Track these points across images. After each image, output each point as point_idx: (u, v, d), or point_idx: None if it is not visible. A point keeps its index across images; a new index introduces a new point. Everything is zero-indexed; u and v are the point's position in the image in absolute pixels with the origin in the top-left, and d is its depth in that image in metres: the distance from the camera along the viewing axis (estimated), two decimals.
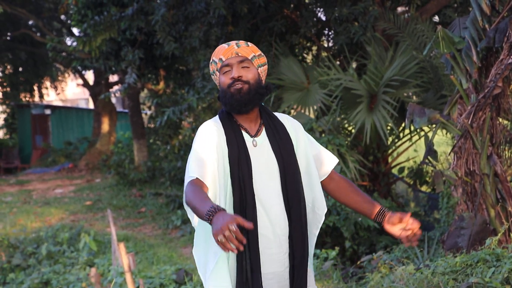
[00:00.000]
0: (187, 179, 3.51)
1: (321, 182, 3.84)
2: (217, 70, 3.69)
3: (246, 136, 3.68)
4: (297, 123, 3.88)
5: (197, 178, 3.48)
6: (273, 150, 3.68)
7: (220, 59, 3.67)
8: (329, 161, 3.89)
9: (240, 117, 3.70)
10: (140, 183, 20.28)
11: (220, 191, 3.54)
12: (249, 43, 3.73)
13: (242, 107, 3.63)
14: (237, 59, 3.65)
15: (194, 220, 3.63)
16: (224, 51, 3.67)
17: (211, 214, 3.07)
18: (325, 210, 3.82)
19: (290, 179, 3.66)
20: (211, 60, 3.74)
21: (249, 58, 3.67)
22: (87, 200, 18.61)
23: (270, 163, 3.66)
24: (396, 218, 3.68)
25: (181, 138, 19.07)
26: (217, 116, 3.76)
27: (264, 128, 3.74)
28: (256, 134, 3.70)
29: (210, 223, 3.06)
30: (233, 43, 3.69)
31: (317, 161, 3.86)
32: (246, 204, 3.55)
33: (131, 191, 19.42)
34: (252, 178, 3.58)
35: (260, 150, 3.67)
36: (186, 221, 14.10)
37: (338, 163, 9.79)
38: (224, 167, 3.58)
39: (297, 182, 3.69)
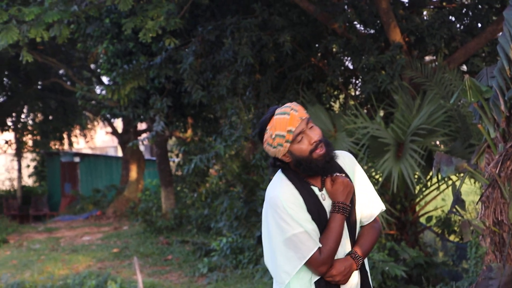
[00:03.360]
0: (309, 251, 3.58)
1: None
2: (286, 142, 3.64)
3: (316, 190, 3.72)
4: (351, 156, 3.92)
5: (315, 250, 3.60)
6: None
7: (289, 131, 3.62)
8: (378, 205, 3.91)
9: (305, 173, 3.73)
10: (167, 230, 20.28)
11: None
12: (294, 103, 3.75)
13: (329, 170, 3.70)
14: (304, 123, 3.65)
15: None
16: (289, 121, 3.63)
17: (336, 208, 3.67)
18: None
19: (353, 229, 3.78)
20: (272, 136, 3.67)
21: (308, 116, 3.70)
22: (114, 247, 18.61)
23: None
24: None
25: (208, 186, 19.07)
26: (282, 176, 3.75)
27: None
28: (322, 188, 3.74)
29: (343, 205, 3.65)
30: (288, 109, 3.67)
31: (364, 200, 3.89)
32: None
33: (158, 239, 19.41)
34: None
35: (328, 202, 3.73)
36: (212, 268, 14.06)
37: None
38: (311, 224, 3.66)
39: (356, 225, 3.83)
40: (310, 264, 3.58)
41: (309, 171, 3.66)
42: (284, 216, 3.58)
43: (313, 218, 3.62)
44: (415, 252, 10.18)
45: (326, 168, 3.66)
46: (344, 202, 3.64)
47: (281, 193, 3.63)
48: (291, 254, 3.58)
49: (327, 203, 3.69)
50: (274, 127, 3.65)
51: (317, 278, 3.62)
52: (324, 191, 3.72)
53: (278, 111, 3.68)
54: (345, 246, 3.71)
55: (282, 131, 3.62)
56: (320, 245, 3.57)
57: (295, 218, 3.58)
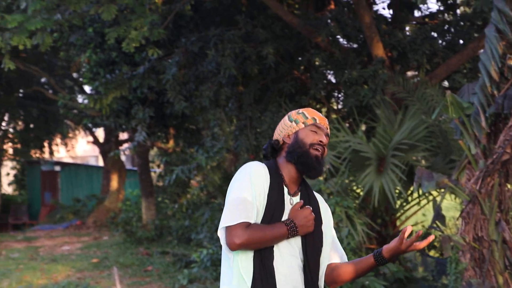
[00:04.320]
0: (232, 220, 3.56)
1: (329, 269, 3.88)
2: (303, 123, 3.78)
3: (286, 192, 3.75)
4: (328, 207, 3.98)
5: (245, 221, 3.57)
6: None
7: (314, 119, 3.79)
8: (342, 255, 3.93)
9: (286, 173, 3.78)
10: (147, 241, 20.21)
11: None
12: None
13: (310, 170, 3.76)
14: (326, 132, 3.80)
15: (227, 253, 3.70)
16: (319, 116, 3.83)
17: (289, 223, 3.61)
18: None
19: (310, 249, 3.74)
20: (298, 111, 3.85)
21: (328, 137, 3.84)
22: (94, 257, 18.52)
23: None
24: (393, 241, 3.71)
25: (189, 197, 19.05)
26: (265, 163, 3.79)
27: (300, 193, 3.82)
28: (294, 194, 3.78)
29: (296, 229, 3.61)
30: (324, 117, 3.89)
31: (334, 247, 3.93)
32: (265, 250, 3.63)
33: (138, 249, 19.34)
34: None
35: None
36: (193, 280, 14.01)
37: (346, 226, 9.76)
38: (260, 208, 3.64)
39: (318, 253, 3.78)
40: (229, 231, 3.56)
41: (296, 160, 3.72)
42: (245, 180, 3.62)
43: (268, 206, 3.63)
44: (395, 267, 10.20)
45: (311, 167, 3.72)
46: (297, 226, 3.64)
47: (255, 166, 3.68)
48: (226, 212, 3.60)
49: (289, 209, 3.72)
50: (306, 109, 3.87)
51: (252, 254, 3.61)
52: (294, 198, 3.75)
53: None
54: (292, 268, 3.68)
55: (309, 115, 3.81)
56: (251, 222, 3.55)
57: (252, 187, 3.60)
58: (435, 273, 11.71)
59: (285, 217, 3.68)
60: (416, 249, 3.68)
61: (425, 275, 11.49)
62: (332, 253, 3.90)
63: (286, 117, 3.88)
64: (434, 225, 7.00)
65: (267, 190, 3.65)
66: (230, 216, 3.58)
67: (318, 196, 3.94)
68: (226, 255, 3.69)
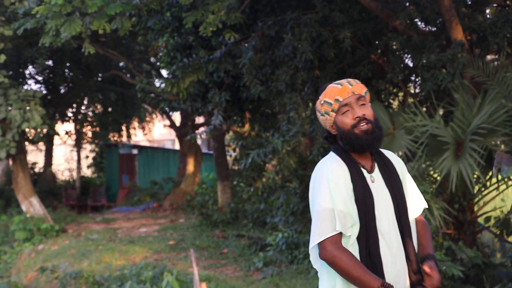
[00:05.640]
0: (320, 235, 3.59)
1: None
2: (332, 111, 3.70)
3: (364, 172, 3.73)
4: (399, 159, 3.95)
5: (340, 233, 3.60)
6: (386, 185, 3.74)
7: (336, 100, 3.68)
8: (420, 204, 3.91)
9: (356, 154, 3.74)
10: (223, 224, 20.38)
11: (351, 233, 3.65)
12: (356, 80, 3.75)
13: (370, 147, 3.72)
14: (354, 97, 3.68)
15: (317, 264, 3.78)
16: (339, 91, 3.69)
17: (387, 285, 3.49)
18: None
19: (403, 215, 3.75)
20: (321, 101, 3.76)
21: (363, 94, 3.69)
22: (170, 239, 18.76)
23: (386, 199, 3.73)
24: (426, 267, 3.73)
25: (265, 180, 19.12)
26: (333, 153, 3.78)
27: (376, 164, 3.78)
28: (371, 170, 3.75)
29: None
30: (345, 82, 3.72)
31: (415, 200, 3.94)
32: (370, 240, 3.63)
33: (214, 232, 19.52)
34: (375, 214, 3.65)
35: (376, 185, 3.74)
36: (268, 263, 14.08)
37: (424, 210, 9.68)
38: (352, 204, 3.64)
39: (407, 217, 3.78)
40: (320, 245, 3.60)
41: (351, 146, 3.68)
42: (323, 188, 3.61)
43: (357, 200, 3.61)
44: (473, 252, 10.08)
45: (368, 144, 3.67)
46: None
47: (330, 167, 3.66)
48: (314, 228, 3.63)
49: (375, 186, 3.71)
50: (325, 94, 3.75)
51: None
52: (373, 174, 3.74)
53: (335, 81, 3.77)
54: (394, 242, 3.70)
55: (330, 99, 3.70)
56: (339, 231, 3.57)
57: (332, 193, 3.58)
58: None
59: (375, 198, 3.66)
60: None
61: (503, 261, 11.34)
62: (415, 206, 3.94)
63: (316, 113, 3.81)
64: None
65: (350, 185, 3.64)
66: (317, 231, 3.61)
67: (390, 155, 3.91)
68: (324, 268, 3.74)
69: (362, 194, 3.62)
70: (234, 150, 24.32)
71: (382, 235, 3.64)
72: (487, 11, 13.94)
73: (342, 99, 3.67)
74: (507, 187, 11.20)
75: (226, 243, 17.62)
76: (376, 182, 3.73)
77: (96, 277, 13.43)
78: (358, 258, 3.59)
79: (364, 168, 3.73)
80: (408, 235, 3.73)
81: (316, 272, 12.60)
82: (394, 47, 13.05)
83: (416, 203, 3.92)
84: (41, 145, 33.67)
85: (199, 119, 30.83)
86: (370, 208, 3.62)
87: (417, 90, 13.71)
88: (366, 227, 3.61)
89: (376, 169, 3.77)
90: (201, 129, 28.55)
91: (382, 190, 3.72)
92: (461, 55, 11.05)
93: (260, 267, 14.14)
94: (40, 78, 29.15)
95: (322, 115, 3.76)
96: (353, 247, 3.60)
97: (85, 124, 33.07)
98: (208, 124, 20.08)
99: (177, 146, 39.21)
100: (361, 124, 3.63)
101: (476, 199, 11.48)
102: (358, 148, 3.68)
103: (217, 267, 14.92)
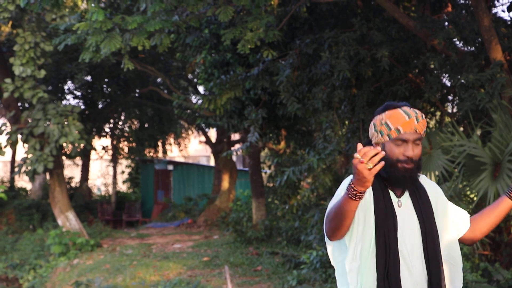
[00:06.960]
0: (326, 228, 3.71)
1: (465, 236, 3.88)
2: (387, 135, 3.64)
3: (392, 195, 3.71)
4: (436, 185, 3.90)
5: None
6: (415, 211, 3.71)
7: (398, 130, 3.61)
8: (465, 215, 3.90)
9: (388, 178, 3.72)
10: (257, 241, 20.37)
11: (357, 239, 3.63)
12: (423, 115, 3.72)
13: (404, 185, 3.70)
14: (414, 136, 3.62)
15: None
16: (404, 124, 3.62)
17: (350, 187, 3.34)
18: (461, 266, 3.85)
19: (431, 242, 3.70)
20: (382, 120, 3.68)
21: (423, 135, 3.68)
22: (204, 256, 18.79)
23: (412, 224, 3.69)
24: None
25: (300, 198, 19.10)
26: None
27: (407, 190, 3.75)
28: (400, 195, 3.73)
29: (354, 188, 3.31)
30: (413, 116, 3.65)
31: (456, 218, 3.88)
32: (389, 261, 3.60)
33: (248, 249, 19.51)
34: (397, 237, 3.62)
35: (404, 210, 3.70)
36: (301, 281, 14.05)
37: None
38: (366, 219, 3.62)
39: (436, 246, 3.71)
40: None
41: (386, 174, 3.65)
42: (338, 192, 3.73)
43: (376, 220, 3.60)
44: (509, 274, 9.98)
45: (404, 182, 3.65)
46: (353, 184, 3.35)
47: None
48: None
49: (401, 210, 3.69)
50: (390, 116, 3.65)
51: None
52: (401, 199, 3.72)
53: (405, 108, 3.69)
54: (417, 269, 3.66)
55: (393, 124, 3.62)
56: None
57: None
58: None
59: (399, 221, 3.64)
60: None
61: None
62: (459, 223, 3.88)
63: (372, 124, 3.75)
64: None
65: (371, 200, 3.63)
66: (325, 227, 3.73)
67: (424, 180, 3.86)
68: (343, 275, 3.81)
69: (384, 214, 3.60)
70: (269, 167, 24.33)
71: (403, 259, 3.61)
72: None
73: (403, 132, 3.61)
74: None
75: (260, 261, 17.60)
76: (403, 207, 3.70)
77: None
78: (374, 270, 3.59)
79: (393, 192, 3.73)
80: (435, 264, 3.67)
81: None
82: (432, 66, 13.00)
83: (465, 217, 3.90)
84: (78, 159, 33.92)
85: (235, 136, 30.89)
86: (391, 228, 3.60)
87: (454, 110, 13.64)
88: (385, 245, 3.58)
89: (406, 195, 3.74)
90: (237, 145, 28.67)
91: (409, 215, 3.69)
92: (500, 75, 10.98)
93: (293, 285, 14.11)
94: (78, 93, 29.50)
95: (375, 131, 3.70)
96: (370, 260, 3.60)
97: (121, 139, 33.33)
98: (244, 141, 20.14)
99: (212, 163, 39.32)
100: (407, 163, 3.61)
101: None
102: (392, 181, 3.67)
103: (250, 284, 14.91)
